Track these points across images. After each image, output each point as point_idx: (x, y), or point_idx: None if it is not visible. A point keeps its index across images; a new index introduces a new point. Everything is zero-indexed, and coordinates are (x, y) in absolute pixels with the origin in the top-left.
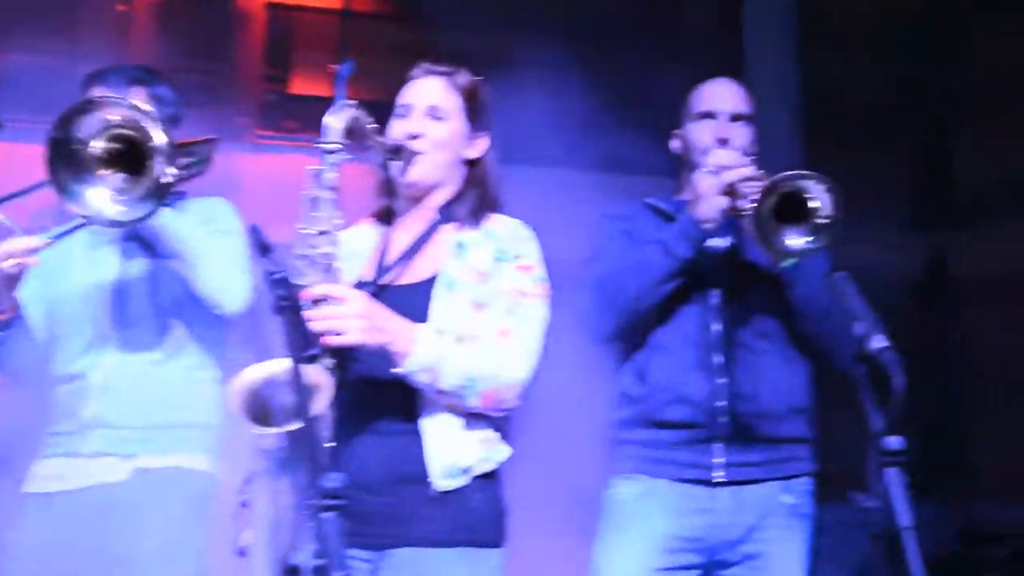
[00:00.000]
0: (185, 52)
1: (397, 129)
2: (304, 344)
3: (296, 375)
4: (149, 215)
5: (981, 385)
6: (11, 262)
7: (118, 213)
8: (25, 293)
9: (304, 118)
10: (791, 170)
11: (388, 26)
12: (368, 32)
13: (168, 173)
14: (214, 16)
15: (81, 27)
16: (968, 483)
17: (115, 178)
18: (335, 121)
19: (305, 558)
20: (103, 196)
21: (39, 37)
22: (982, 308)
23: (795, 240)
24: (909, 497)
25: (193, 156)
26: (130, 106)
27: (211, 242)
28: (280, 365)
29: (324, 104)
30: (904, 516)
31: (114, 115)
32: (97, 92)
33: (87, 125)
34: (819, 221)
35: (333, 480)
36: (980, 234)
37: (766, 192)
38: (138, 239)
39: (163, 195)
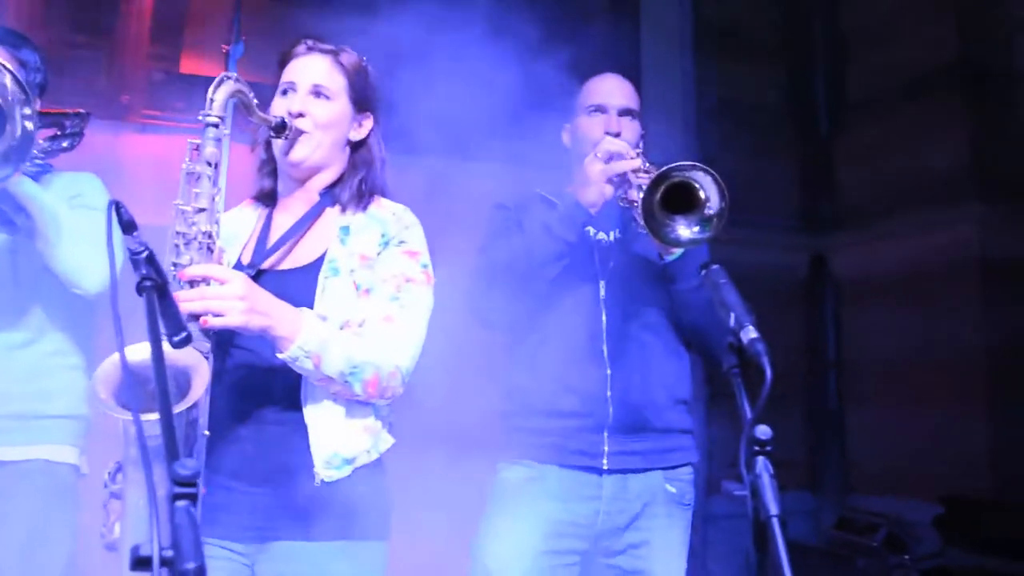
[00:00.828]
0: (69, 26)
1: (280, 106)
2: (171, 327)
3: (159, 359)
4: (1, 179)
5: (856, 380)
6: None
7: None
8: None
9: (193, 98)
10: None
11: (282, 8)
12: (261, 13)
13: (26, 136)
14: None
15: None
16: (844, 476)
17: None
18: (218, 93)
19: (155, 548)
20: None
21: None
22: (858, 306)
23: (684, 230)
24: (776, 486)
25: (62, 128)
26: None
27: (73, 217)
28: (145, 349)
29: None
30: (772, 504)
31: None
32: None
33: None
34: (707, 211)
35: (186, 467)
36: (856, 235)
37: (656, 181)
38: (1, 213)
39: (17, 160)
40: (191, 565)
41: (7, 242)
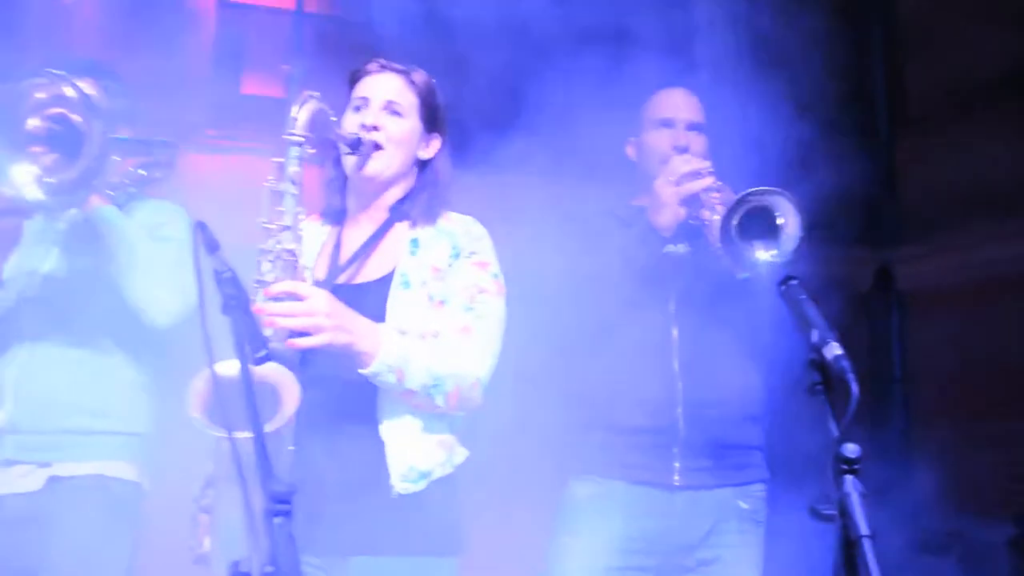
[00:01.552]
0: (133, 49)
1: (353, 121)
2: (254, 344)
3: (248, 376)
4: (73, 202)
5: (923, 395)
6: None
7: (43, 193)
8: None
9: (255, 118)
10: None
11: (340, 28)
12: (321, 33)
13: (101, 160)
14: (165, 14)
15: (26, 23)
16: (913, 494)
17: (47, 158)
18: (301, 113)
19: (255, 565)
20: (29, 174)
21: None
22: (923, 319)
23: (761, 254)
24: (865, 505)
25: (148, 156)
26: (73, 87)
27: (151, 247)
28: (235, 367)
29: (275, 104)
30: (861, 524)
31: (54, 93)
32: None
33: (26, 100)
34: (784, 235)
35: (282, 484)
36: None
37: (735, 205)
38: (80, 235)
39: (91, 184)
40: None
41: (84, 265)
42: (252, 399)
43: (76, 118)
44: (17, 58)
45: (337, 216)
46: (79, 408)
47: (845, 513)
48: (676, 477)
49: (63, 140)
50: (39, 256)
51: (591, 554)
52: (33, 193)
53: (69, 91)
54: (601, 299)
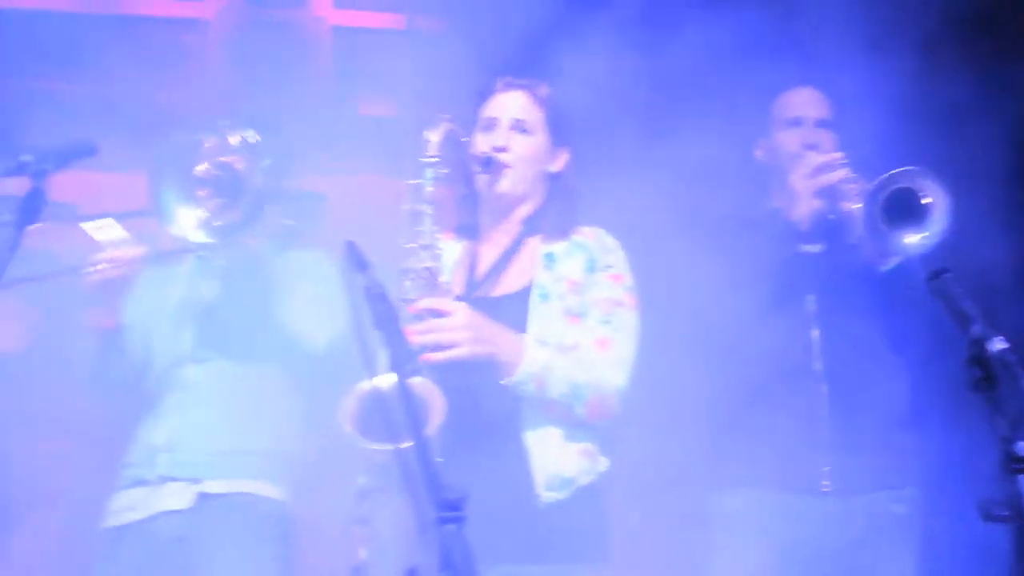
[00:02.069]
0: (254, 78)
1: (484, 142)
2: (406, 357)
3: (404, 390)
4: (233, 244)
5: None
6: (114, 269)
7: (206, 235)
8: (129, 305)
9: (373, 138)
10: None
11: (452, 43)
12: (432, 50)
13: (260, 206)
14: (282, 42)
15: (148, 57)
16: None
17: (212, 202)
18: (434, 135)
19: (429, 573)
20: (195, 217)
21: (108, 68)
22: None
23: (909, 237)
24: None
25: (298, 203)
26: (239, 137)
27: (304, 285)
28: (388, 381)
29: (393, 124)
30: None
31: (222, 142)
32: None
33: (197, 148)
34: (931, 216)
35: (454, 492)
36: None
37: (878, 188)
38: (238, 271)
39: (251, 229)
40: None
41: (239, 295)
42: (413, 410)
43: (240, 166)
44: (146, 93)
45: (470, 232)
46: (230, 428)
47: (1021, 514)
48: (825, 482)
49: (227, 185)
50: (197, 288)
51: (743, 566)
52: (198, 235)
53: (235, 140)
54: (736, 303)
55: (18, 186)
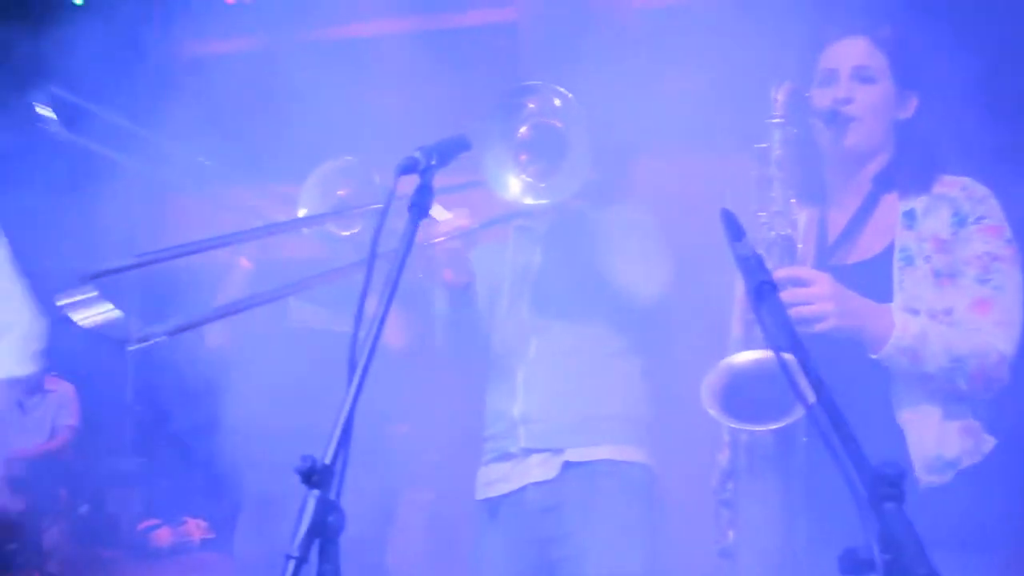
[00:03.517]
0: (564, 68)
1: (825, 96)
2: (784, 331)
3: (783, 366)
4: (557, 206)
5: None
6: (454, 241)
7: (534, 197)
8: (475, 266)
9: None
10: None
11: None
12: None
13: (584, 166)
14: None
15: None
16: None
17: (534, 166)
18: (780, 93)
19: (872, 552)
20: (522, 181)
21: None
22: None
23: None
24: None
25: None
26: (560, 97)
27: (625, 234)
28: (757, 356)
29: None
30: None
31: (543, 103)
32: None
33: (520, 111)
34: None
35: (892, 467)
36: None
37: None
38: (560, 234)
39: (575, 187)
40: (922, 572)
41: (566, 257)
42: (796, 386)
43: (560, 125)
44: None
45: (816, 196)
46: (584, 394)
47: None
48: None
49: (549, 147)
50: (526, 252)
51: None
52: (527, 199)
53: (557, 101)
54: None
55: (407, 184)
